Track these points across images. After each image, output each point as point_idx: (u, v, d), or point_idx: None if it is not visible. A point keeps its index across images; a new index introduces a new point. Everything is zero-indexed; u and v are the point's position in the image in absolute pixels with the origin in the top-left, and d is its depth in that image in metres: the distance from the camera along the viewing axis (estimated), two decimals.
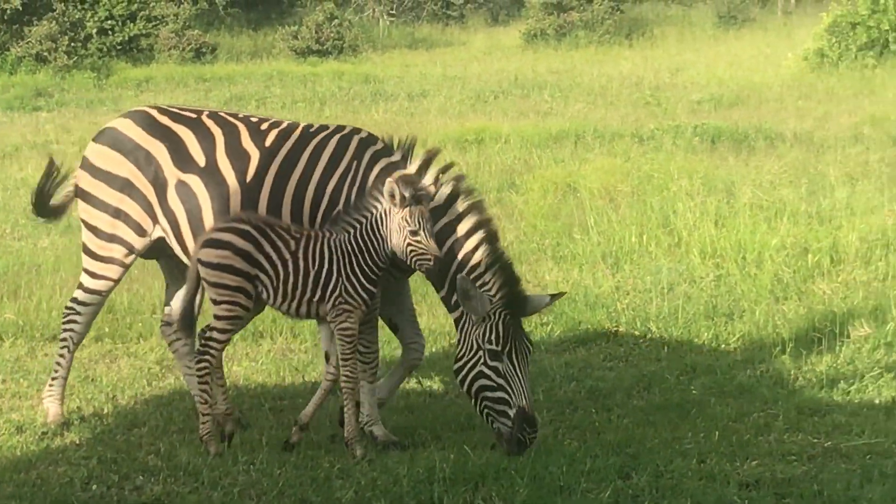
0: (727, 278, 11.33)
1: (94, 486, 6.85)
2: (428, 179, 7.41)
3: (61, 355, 8.12)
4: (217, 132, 7.79)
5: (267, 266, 7.15)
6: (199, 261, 7.18)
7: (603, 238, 12.62)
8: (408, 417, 8.24)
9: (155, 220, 7.81)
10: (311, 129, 7.84)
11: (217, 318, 7.19)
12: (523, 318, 7.53)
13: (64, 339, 8.13)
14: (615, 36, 36.53)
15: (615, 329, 10.32)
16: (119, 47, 32.47)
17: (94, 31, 32.30)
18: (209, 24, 38.21)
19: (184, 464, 7.08)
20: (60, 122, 22.55)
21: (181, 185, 7.71)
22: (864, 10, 27.66)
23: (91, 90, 27.55)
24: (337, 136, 7.74)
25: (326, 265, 7.16)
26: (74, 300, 8.13)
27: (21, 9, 32.04)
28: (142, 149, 7.81)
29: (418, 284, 9.40)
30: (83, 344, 8.79)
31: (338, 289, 7.15)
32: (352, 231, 7.19)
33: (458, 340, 7.45)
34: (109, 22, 32.58)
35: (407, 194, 6.99)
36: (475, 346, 7.34)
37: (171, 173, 7.74)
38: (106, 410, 8.49)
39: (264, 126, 7.84)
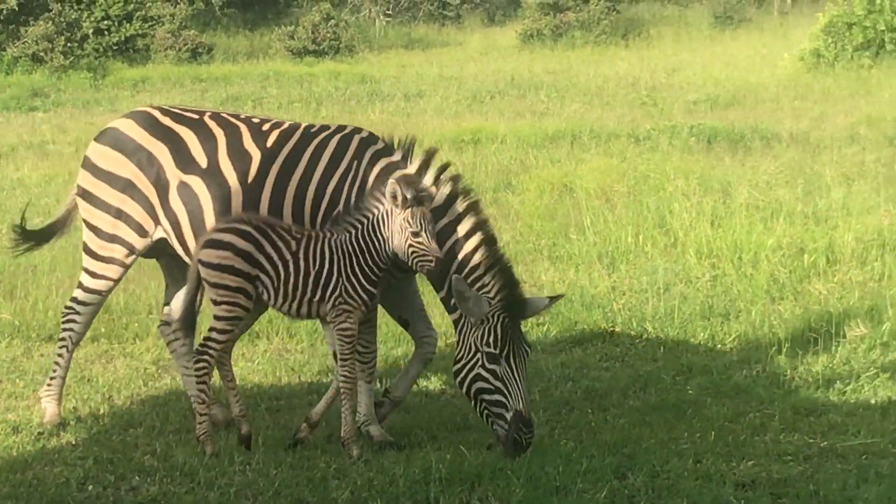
0: (723, 278, 11.34)
1: (91, 487, 6.84)
2: (428, 179, 7.42)
3: (60, 355, 8.12)
4: (219, 133, 7.79)
5: (268, 267, 7.15)
6: (200, 261, 7.18)
7: (599, 238, 12.63)
8: (404, 417, 8.24)
9: (156, 221, 7.81)
10: (313, 130, 7.85)
11: (217, 318, 7.19)
12: (522, 320, 7.53)
13: (63, 339, 8.12)
14: (611, 36, 36.55)
15: (611, 329, 10.33)
16: (115, 47, 32.47)
17: (91, 31, 32.30)
18: (205, 25, 38.21)
19: (180, 464, 7.08)
20: (57, 122, 22.54)
21: (183, 186, 7.71)
22: (860, 10, 27.69)
23: (87, 90, 27.55)
24: (338, 136, 7.74)
25: (327, 265, 7.16)
26: (74, 300, 8.13)
27: (17, 9, 32.05)
28: (144, 150, 7.82)
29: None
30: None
31: (338, 289, 7.15)
32: (353, 231, 7.18)
33: (457, 342, 7.44)
34: (106, 22, 32.58)
35: (409, 195, 6.99)
36: (473, 349, 7.33)
37: (173, 174, 7.74)
38: (102, 411, 8.49)
39: (266, 127, 7.85)
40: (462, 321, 7.39)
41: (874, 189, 13.88)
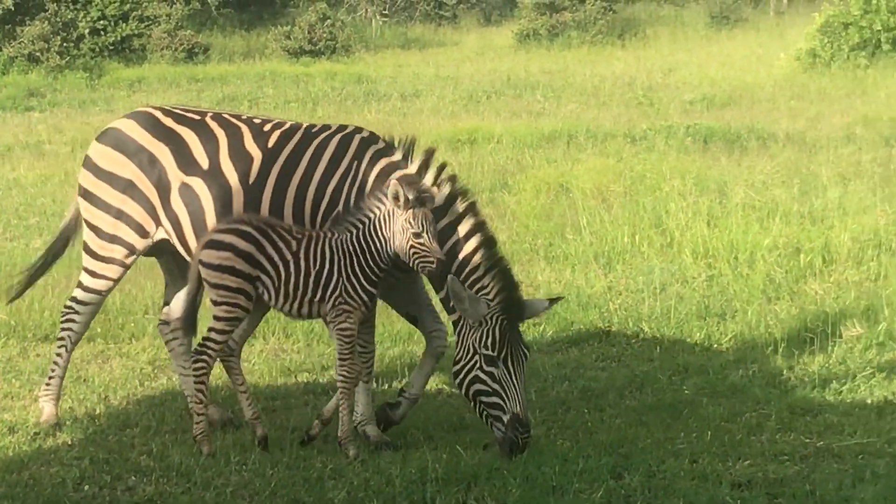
0: (719, 278, 11.35)
1: (87, 487, 6.85)
2: (428, 179, 7.42)
3: (58, 354, 8.11)
4: (220, 134, 7.79)
5: (268, 267, 7.15)
6: (201, 262, 7.18)
7: (595, 238, 12.63)
8: None
9: (157, 222, 7.81)
10: (314, 130, 7.85)
11: (216, 318, 7.19)
12: (521, 322, 7.52)
13: (62, 339, 8.12)
14: (607, 36, 36.54)
15: (607, 329, 10.33)
16: (111, 47, 32.45)
17: (87, 31, 32.28)
18: (202, 25, 38.19)
19: (176, 464, 7.08)
20: (53, 122, 22.53)
21: (184, 187, 7.71)
22: (856, 10, 27.69)
23: (83, 90, 27.53)
24: (338, 136, 7.74)
25: (328, 266, 7.15)
26: (73, 299, 8.12)
27: (13, 9, 32.01)
28: (145, 151, 7.82)
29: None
30: None
31: (338, 289, 7.15)
32: (354, 232, 7.18)
33: (456, 343, 7.44)
34: (102, 22, 32.57)
35: (411, 196, 6.99)
36: (472, 351, 7.33)
37: (175, 176, 7.74)
38: (98, 411, 8.48)
39: (267, 127, 7.85)
40: (461, 322, 7.38)
41: (870, 189, 13.90)
